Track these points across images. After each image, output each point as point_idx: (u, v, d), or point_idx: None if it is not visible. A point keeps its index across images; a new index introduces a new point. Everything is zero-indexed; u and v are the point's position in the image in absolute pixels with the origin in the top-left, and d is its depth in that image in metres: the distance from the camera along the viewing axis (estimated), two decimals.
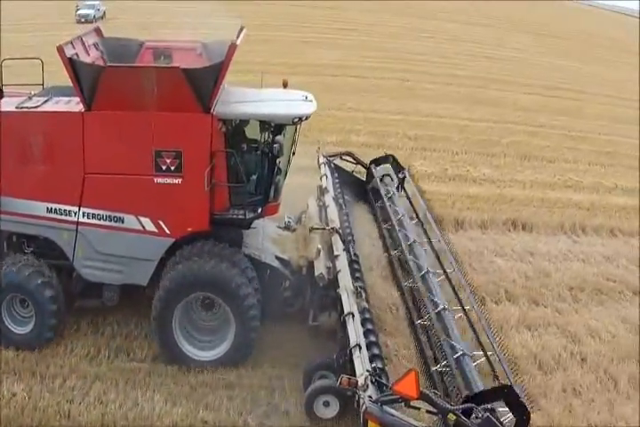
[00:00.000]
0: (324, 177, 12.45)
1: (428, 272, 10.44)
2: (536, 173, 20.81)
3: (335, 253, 10.35)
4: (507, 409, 7.67)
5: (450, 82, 34.75)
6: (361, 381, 7.92)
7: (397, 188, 13.00)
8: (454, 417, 7.58)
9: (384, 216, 12.31)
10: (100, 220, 10.05)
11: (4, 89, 11.10)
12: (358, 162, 13.44)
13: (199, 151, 9.67)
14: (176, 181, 9.78)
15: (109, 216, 10.02)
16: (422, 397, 7.63)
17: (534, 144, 24.20)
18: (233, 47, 9.32)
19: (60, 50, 9.49)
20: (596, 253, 15.10)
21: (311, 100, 10.27)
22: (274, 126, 10.00)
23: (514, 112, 29.21)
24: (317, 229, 10.92)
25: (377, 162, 13.41)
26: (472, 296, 9.97)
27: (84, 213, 10.05)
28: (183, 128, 9.62)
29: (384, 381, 8.12)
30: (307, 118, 10.03)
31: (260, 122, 10.15)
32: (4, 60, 10.88)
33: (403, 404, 7.77)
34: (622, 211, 18.16)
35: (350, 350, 8.55)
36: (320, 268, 10.19)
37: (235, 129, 10.12)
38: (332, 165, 13.16)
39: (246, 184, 10.00)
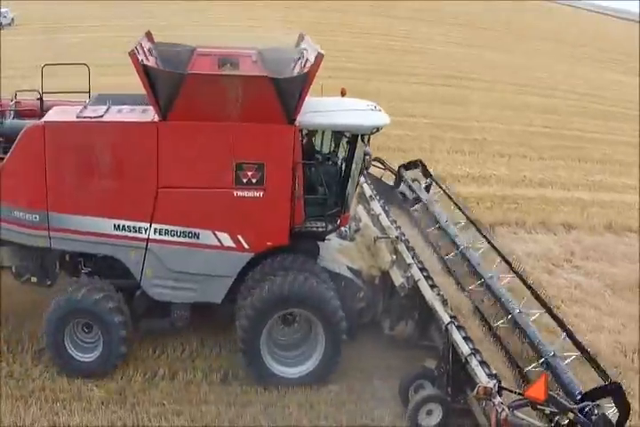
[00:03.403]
0: (365, 184, 12.40)
1: (491, 277, 10.66)
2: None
3: (408, 261, 10.37)
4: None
5: (329, 75, 34.04)
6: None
7: (427, 189, 13.12)
8: (572, 415, 7.95)
9: (424, 222, 12.40)
10: (173, 236, 9.56)
11: (45, 97, 10.40)
12: (387, 168, 13.46)
13: (282, 163, 9.38)
14: (257, 194, 9.45)
15: (184, 232, 9.55)
16: (549, 399, 7.95)
17: (391, 134, 22.61)
18: (320, 57, 9.07)
19: (134, 56, 8.95)
20: None
21: (380, 110, 10.20)
22: (349, 137, 9.87)
23: (387, 103, 27.69)
24: (383, 238, 10.89)
25: (406, 167, 13.47)
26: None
27: (155, 230, 9.53)
28: (267, 140, 9.30)
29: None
30: (381, 128, 9.96)
31: (335, 132, 10.00)
32: (45, 64, 10.17)
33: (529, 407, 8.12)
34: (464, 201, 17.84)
35: (466, 359, 8.66)
36: (399, 278, 10.19)
37: (308, 139, 9.91)
38: (365, 172, 13.09)
39: (332, 196, 9.82)
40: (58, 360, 9.74)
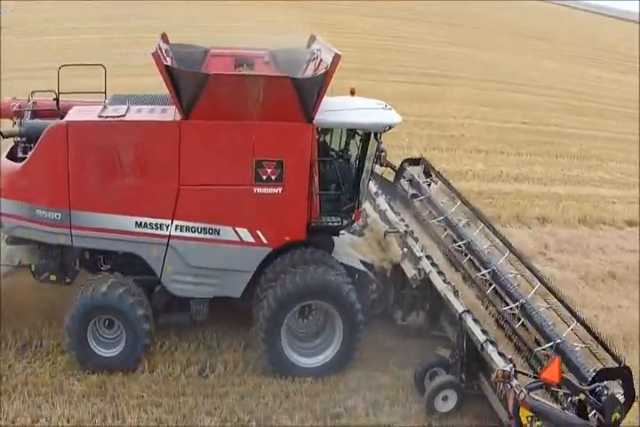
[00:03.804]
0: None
1: (497, 268, 11.05)
2: None
3: (418, 254, 10.77)
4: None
5: None
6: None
7: (429, 185, 13.48)
8: (584, 396, 8.44)
9: (427, 216, 12.79)
10: (193, 232, 9.81)
11: (61, 98, 10.57)
12: (388, 164, 13.78)
13: (300, 160, 9.70)
14: (276, 190, 9.75)
15: (204, 228, 9.80)
16: (562, 381, 8.43)
17: None
18: (337, 57, 9.39)
19: (157, 57, 9.21)
20: None
21: (390, 108, 10.55)
22: (362, 134, 10.22)
23: None
24: (392, 232, 11.29)
25: (410, 163, 13.82)
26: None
27: (176, 227, 9.78)
28: (286, 138, 9.61)
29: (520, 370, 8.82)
30: (393, 126, 10.32)
31: (348, 130, 10.35)
32: (63, 65, 10.33)
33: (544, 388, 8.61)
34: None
35: (482, 345, 9.09)
36: (410, 270, 10.59)
37: (322, 137, 10.23)
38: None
39: (345, 192, 10.18)
40: (81, 357, 9.91)
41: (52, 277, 10.33)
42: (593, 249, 16.16)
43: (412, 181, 13.62)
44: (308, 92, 9.35)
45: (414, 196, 13.35)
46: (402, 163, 13.72)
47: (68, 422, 9.04)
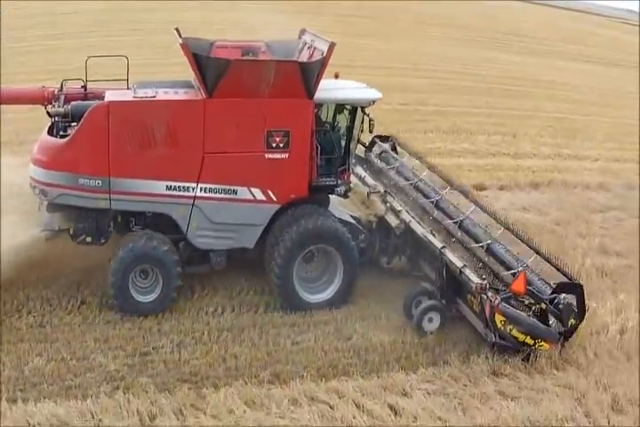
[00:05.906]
0: None
1: (464, 219, 13.23)
2: None
3: (398, 208, 12.96)
4: None
5: None
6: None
7: (395, 151, 15.69)
8: (544, 305, 10.70)
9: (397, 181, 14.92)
10: (215, 193, 11.65)
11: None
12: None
13: (303, 130, 11.70)
14: (283, 155, 11.71)
15: (224, 189, 11.66)
16: (527, 292, 10.67)
17: None
18: (333, 45, 11.43)
19: (185, 46, 11.06)
20: None
21: (371, 88, 12.69)
22: (350, 109, 12.33)
23: None
24: (374, 192, 13.45)
25: (380, 139, 16.00)
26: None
27: (201, 189, 11.59)
28: (292, 112, 11.59)
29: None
30: (377, 101, 12.46)
31: (337, 105, 12.42)
32: (89, 57, 11.96)
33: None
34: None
35: (461, 270, 11.25)
36: (394, 220, 12.76)
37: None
38: None
39: (338, 156, 12.25)
40: (125, 305, 11.55)
41: (88, 239, 11.83)
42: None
43: (380, 155, 15.83)
44: (310, 74, 11.37)
45: (388, 166, 15.47)
46: (374, 137, 15.85)
47: None
